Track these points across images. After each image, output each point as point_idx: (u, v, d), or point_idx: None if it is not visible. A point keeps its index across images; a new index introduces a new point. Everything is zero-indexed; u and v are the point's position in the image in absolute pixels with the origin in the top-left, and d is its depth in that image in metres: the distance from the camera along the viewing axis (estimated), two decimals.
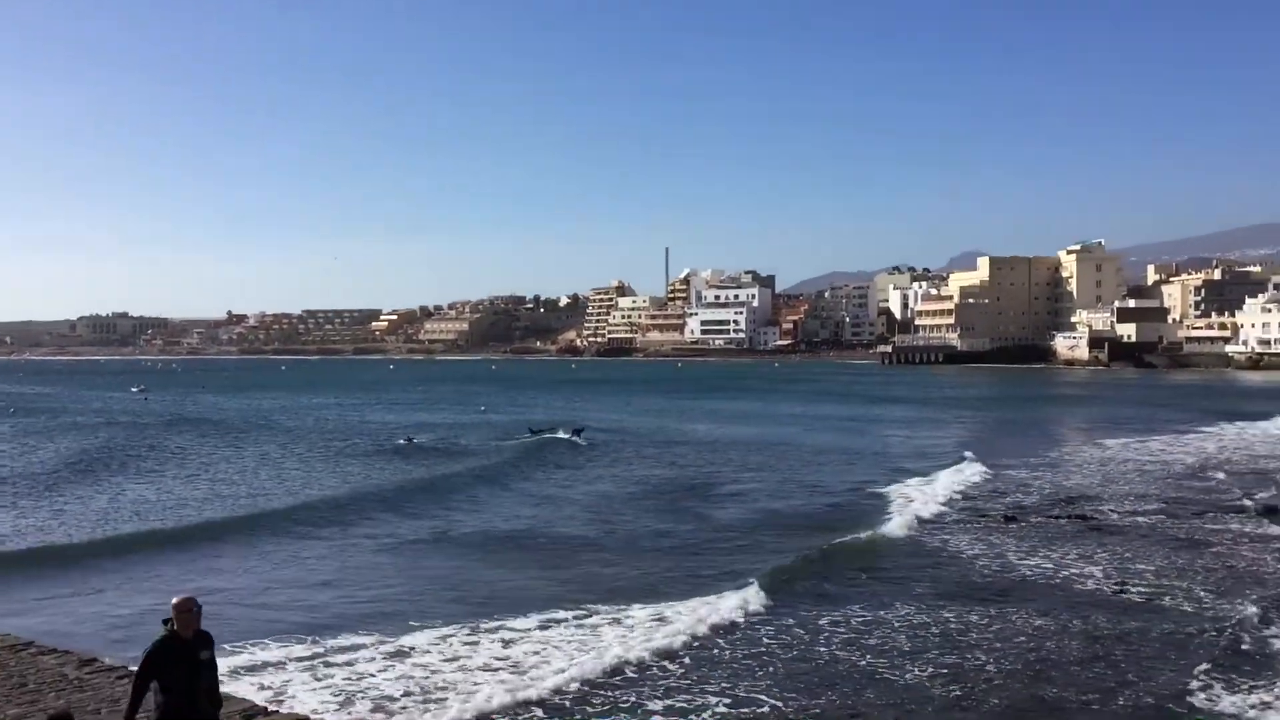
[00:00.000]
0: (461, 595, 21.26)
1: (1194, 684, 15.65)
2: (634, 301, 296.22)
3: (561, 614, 19.37)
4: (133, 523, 29.98)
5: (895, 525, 28.20)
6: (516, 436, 55.47)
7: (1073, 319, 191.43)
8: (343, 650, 17.18)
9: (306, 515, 30.81)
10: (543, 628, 18.59)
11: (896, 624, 18.99)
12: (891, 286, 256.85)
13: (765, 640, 17.97)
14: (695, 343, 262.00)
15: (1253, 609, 19.62)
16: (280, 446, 52.41)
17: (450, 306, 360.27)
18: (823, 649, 17.51)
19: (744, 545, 26.34)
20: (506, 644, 17.64)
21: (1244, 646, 17.48)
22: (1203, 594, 20.87)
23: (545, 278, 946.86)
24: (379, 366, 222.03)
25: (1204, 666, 16.42)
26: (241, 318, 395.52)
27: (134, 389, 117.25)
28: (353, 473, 41.82)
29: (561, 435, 54.37)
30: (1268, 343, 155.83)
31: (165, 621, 8.63)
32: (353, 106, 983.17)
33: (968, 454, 44.68)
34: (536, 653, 17.16)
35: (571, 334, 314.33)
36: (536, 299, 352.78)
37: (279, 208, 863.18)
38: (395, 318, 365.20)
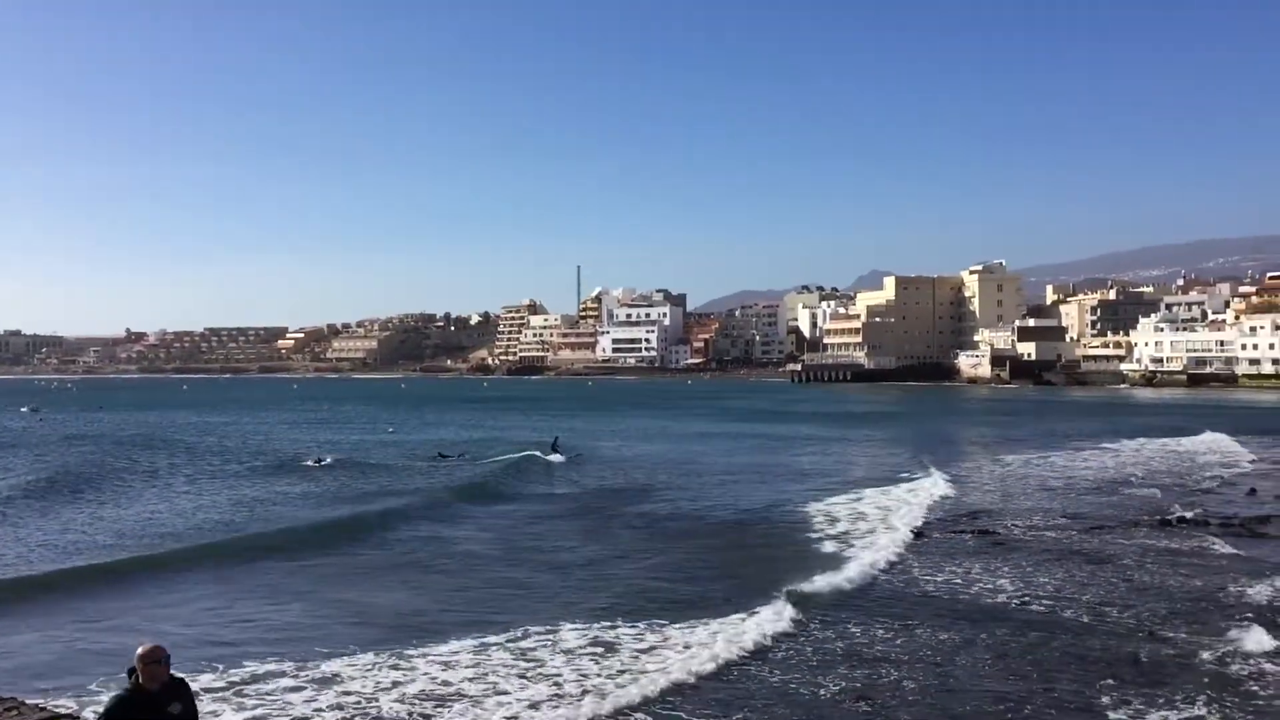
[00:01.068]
0: (381, 622, 20.75)
1: (1101, 697, 15.92)
2: (546, 320, 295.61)
3: (493, 638, 18.98)
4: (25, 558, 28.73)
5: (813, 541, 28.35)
6: (425, 458, 54.52)
7: (975, 338, 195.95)
8: (259, 678, 16.65)
9: (204, 545, 29.87)
10: (477, 651, 18.20)
11: (802, 639, 19.03)
12: (801, 305, 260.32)
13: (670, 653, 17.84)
14: (607, 361, 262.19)
15: (1152, 621, 20.09)
16: (176, 467, 50.85)
17: (359, 324, 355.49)
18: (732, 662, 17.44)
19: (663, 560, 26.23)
20: (445, 667, 17.27)
21: (1143, 658, 17.85)
22: (1104, 607, 21.29)
23: (456, 296, 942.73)
24: (284, 385, 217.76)
25: (1107, 680, 16.71)
26: (141, 336, 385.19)
27: (24, 408, 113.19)
28: (257, 497, 40.70)
29: (539, 455, 53.33)
30: (1160, 361, 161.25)
31: (129, 672, 7.75)
32: (256, 120, 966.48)
33: (878, 471, 45.21)
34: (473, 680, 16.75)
35: (483, 352, 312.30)
36: (447, 317, 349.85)
37: (180, 224, 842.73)
38: (302, 335, 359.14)
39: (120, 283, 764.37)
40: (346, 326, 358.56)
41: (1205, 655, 17.91)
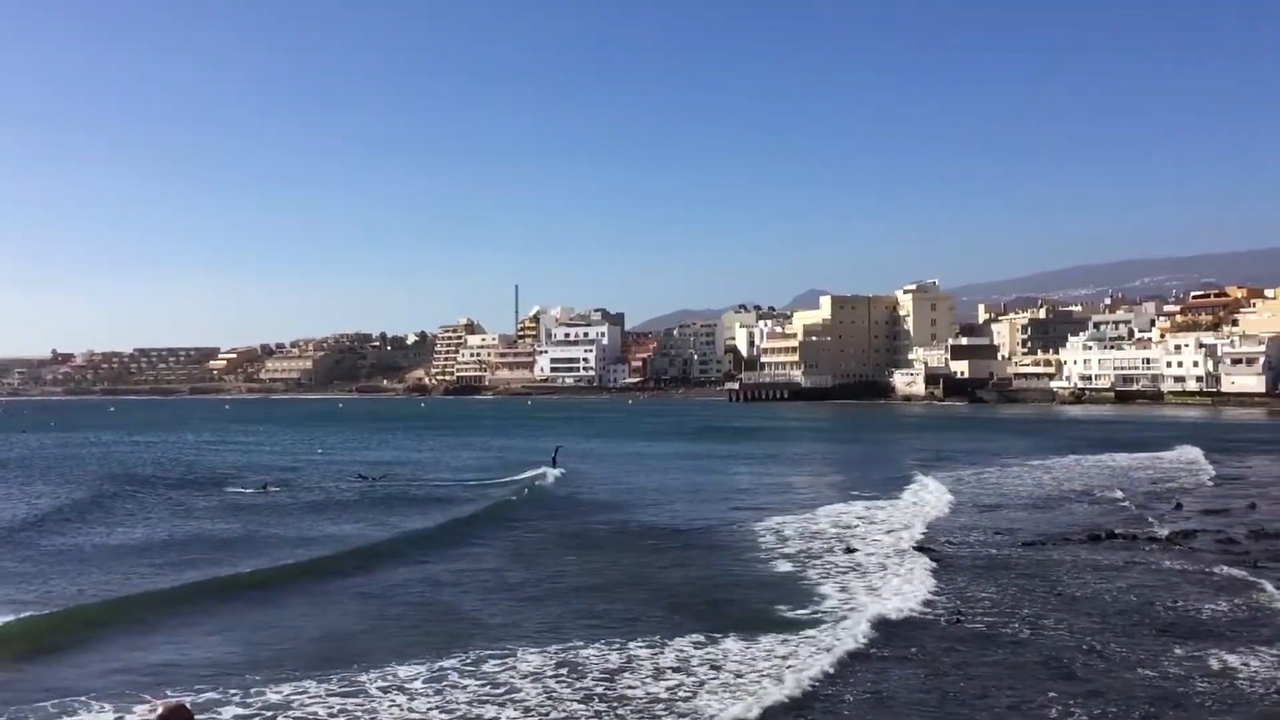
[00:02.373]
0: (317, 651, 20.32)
1: (1040, 710, 16.02)
2: (483, 339, 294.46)
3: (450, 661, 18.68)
4: None
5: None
6: (348, 480, 52.91)
7: (910, 356, 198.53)
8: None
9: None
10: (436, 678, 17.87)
11: (676, 649, 18.95)
12: (738, 324, 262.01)
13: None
14: (545, 380, 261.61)
15: (1085, 633, 20.33)
16: (107, 499, 49.51)
17: (293, 344, 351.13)
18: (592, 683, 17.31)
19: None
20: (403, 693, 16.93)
21: (1078, 672, 18.02)
22: (1040, 620, 21.49)
23: (393, 316, 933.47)
24: (215, 405, 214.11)
25: (1050, 693, 16.85)
26: (68, 357, 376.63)
27: None
28: (197, 525, 39.76)
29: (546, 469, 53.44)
30: (1088, 378, 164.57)
31: None
32: (185, 134, 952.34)
33: (820, 490, 45.44)
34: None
35: (420, 372, 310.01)
36: (383, 337, 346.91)
37: (107, 242, 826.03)
38: (235, 356, 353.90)
39: (45, 302, 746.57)
40: (280, 347, 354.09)
41: (1141, 669, 18.14)
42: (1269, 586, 24.49)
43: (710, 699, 16.62)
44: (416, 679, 17.89)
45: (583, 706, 16.35)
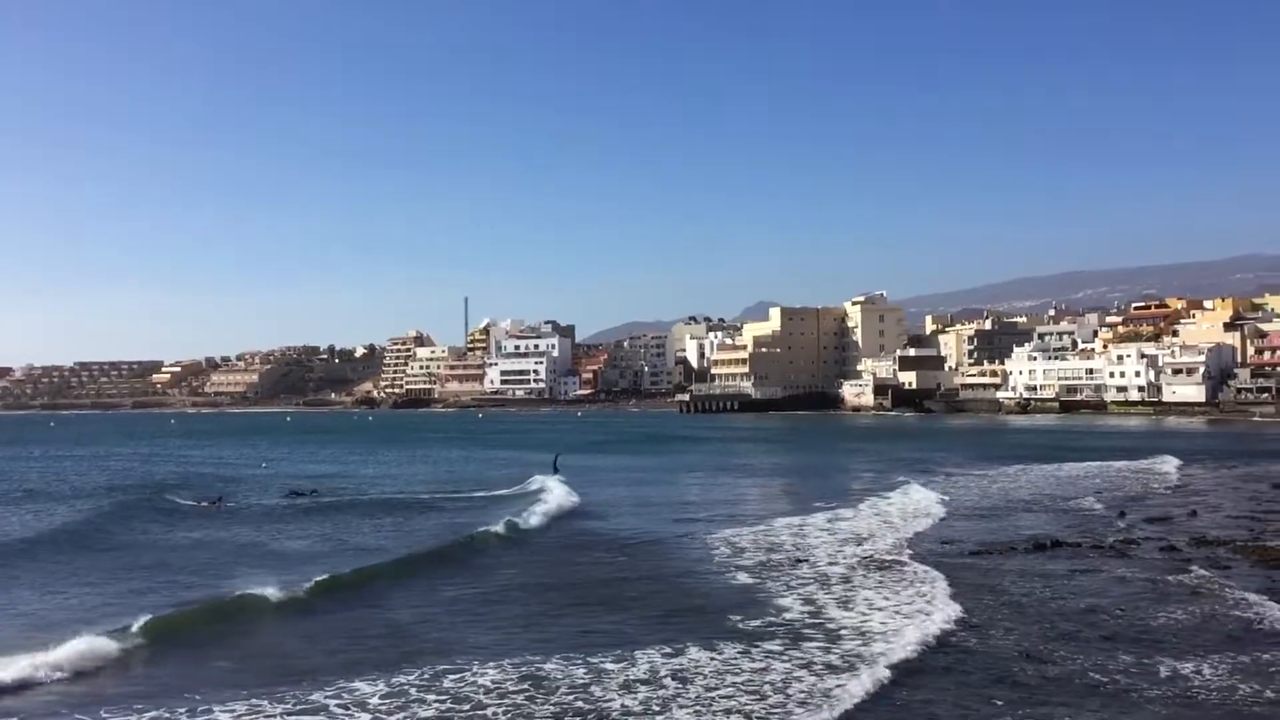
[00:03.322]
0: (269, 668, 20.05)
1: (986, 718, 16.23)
2: (433, 352, 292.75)
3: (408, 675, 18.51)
4: None
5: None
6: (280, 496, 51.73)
7: (859, 367, 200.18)
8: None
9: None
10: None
11: (643, 662, 19.01)
12: (688, 336, 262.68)
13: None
14: (496, 393, 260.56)
15: (1032, 640, 20.63)
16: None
17: (239, 358, 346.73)
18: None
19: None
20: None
21: (1023, 679, 18.27)
22: (986, 630, 21.76)
23: (340, 328, 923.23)
24: (159, 420, 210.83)
25: (991, 704, 17.06)
26: (6, 370, 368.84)
27: None
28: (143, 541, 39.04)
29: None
30: (1033, 388, 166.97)
31: None
32: (128, 140, 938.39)
33: (773, 501, 45.68)
34: None
35: (368, 385, 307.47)
36: (331, 349, 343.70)
37: (46, 252, 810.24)
38: (179, 369, 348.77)
39: None
40: (226, 360, 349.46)
41: (1091, 675, 18.43)
42: (1212, 594, 25.01)
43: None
44: (374, 695, 17.74)
45: None
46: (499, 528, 36.77)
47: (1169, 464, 63.13)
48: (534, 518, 40.21)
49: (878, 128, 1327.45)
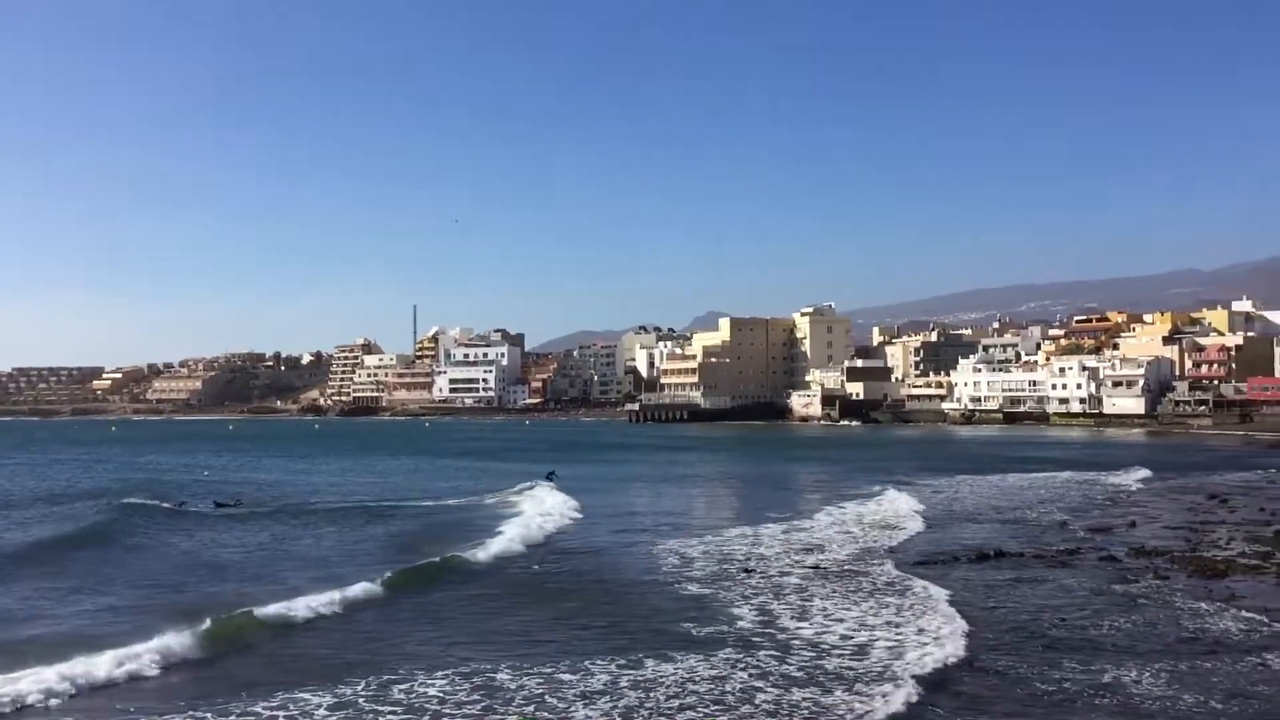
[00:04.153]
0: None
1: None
2: (381, 359, 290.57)
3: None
4: None
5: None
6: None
7: (807, 377, 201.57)
8: None
9: None
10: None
11: (602, 670, 19.07)
12: (638, 346, 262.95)
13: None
14: (444, 401, 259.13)
15: (975, 650, 20.95)
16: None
17: (182, 364, 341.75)
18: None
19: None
20: None
21: (966, 689, 18.55)
22: (913, 636, 22.07)
23: (287, 335, 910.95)
24: (99, 427, 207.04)
25: (934, 711, 17.30)
26: None
27: None
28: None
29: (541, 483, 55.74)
30: (978, 399, 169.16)
31: None
32: (66, 146, 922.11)
33: (722, 512, 45.89)
34: None
35: (315, 393, 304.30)
36: (277, 356, 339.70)
37: None
38: (120, 375, 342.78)
39: None
40: (169, 366, 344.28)
41: (1035, 684, 18.75)
42: (1152, 603, 25.53)
43: None
44: (319, 707, 17.61)
45: None
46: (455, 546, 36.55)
47: (1109, 475, 64.26)
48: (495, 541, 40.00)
49: (828, 140, 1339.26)
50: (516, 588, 28.69)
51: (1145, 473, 65.52)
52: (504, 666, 19.85)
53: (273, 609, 24.38)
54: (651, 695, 18.14)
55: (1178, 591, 26.84)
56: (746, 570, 30.31)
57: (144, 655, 20.16)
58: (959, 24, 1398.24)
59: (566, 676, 19.25)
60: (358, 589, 26.84)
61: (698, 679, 19.07)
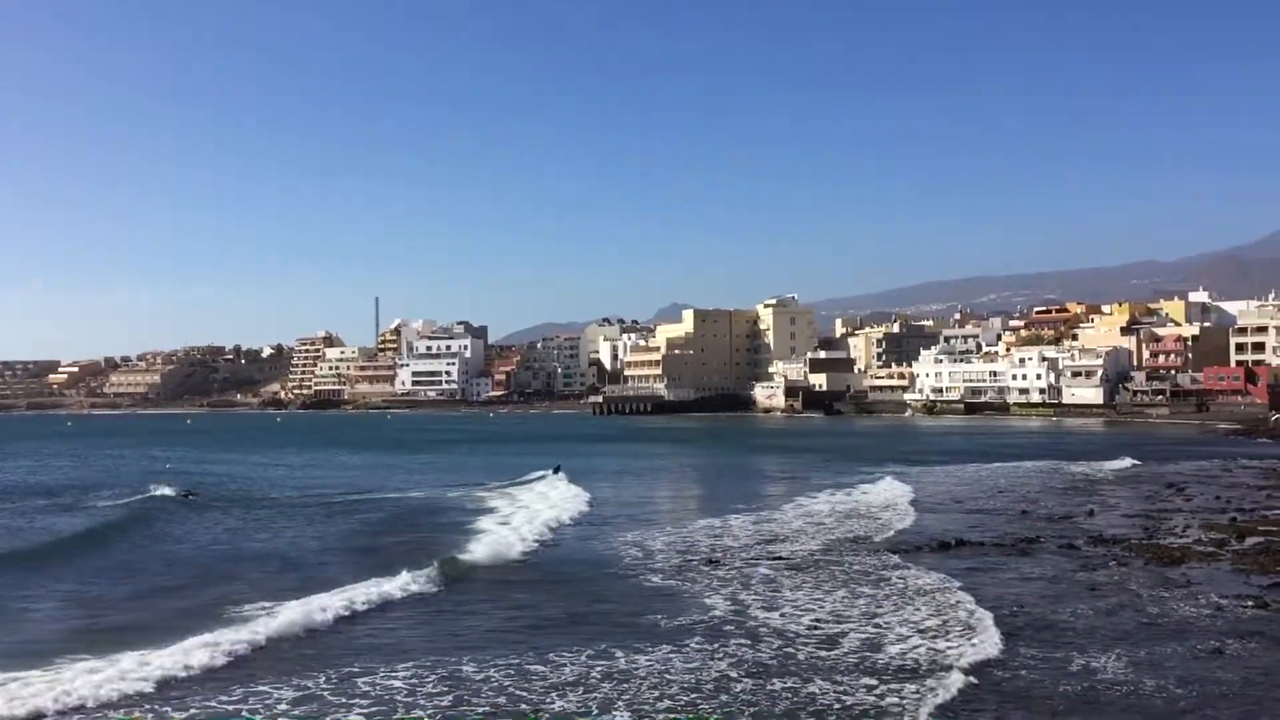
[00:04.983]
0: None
1: (866, 695, 16.64)
2: (342, 352, 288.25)
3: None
4: None
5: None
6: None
7: (770, 369, 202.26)
8: None
9: None
10: None
11: (569, 663, 19.11)
12: (602, 338, 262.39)
13: None
14: (407, 394, 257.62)
15: (928, 625, 21.19)
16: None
17: (140, 358, 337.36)
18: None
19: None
20: None
21: (911, 664, 18.76)
22: (883, 619, 22.27)
23: (247, 328, 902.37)
24: (55, 421, 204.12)
25: (868, 680, 17.49)
26: None
27: None
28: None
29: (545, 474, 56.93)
30: (940, 390, 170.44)
31: None
32: (19, 135, 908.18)
33: (689, 504, 46.07)
34: None
35: (275, 386, 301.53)
36: (237, 350, 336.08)
37: None
38: (76, 370, 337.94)
39: None
40: (126, 360, 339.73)
41: (996, 671, 18.97)
42: (1110, 590, 25.88)
43: None
44: (281, 701, 17.52)
45: None
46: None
47: (1069, 465, 65.06)
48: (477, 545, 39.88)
49: (790, 133, 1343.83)
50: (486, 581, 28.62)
51: (1104, 462, 66.33)
52: (467, 659, 19.79)
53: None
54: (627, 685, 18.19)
55: (1135, 579, 27.23)
56: (713, 561, 30.45)
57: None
58: (917, 13, 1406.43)
59: (537, 667, 19.23)
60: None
61: (674, 668, 19.14)
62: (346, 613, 24.08)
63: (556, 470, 61.27)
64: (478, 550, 33.25)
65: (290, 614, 23.21)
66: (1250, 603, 24.09)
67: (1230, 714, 16.65)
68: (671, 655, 20.11)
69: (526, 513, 43.36)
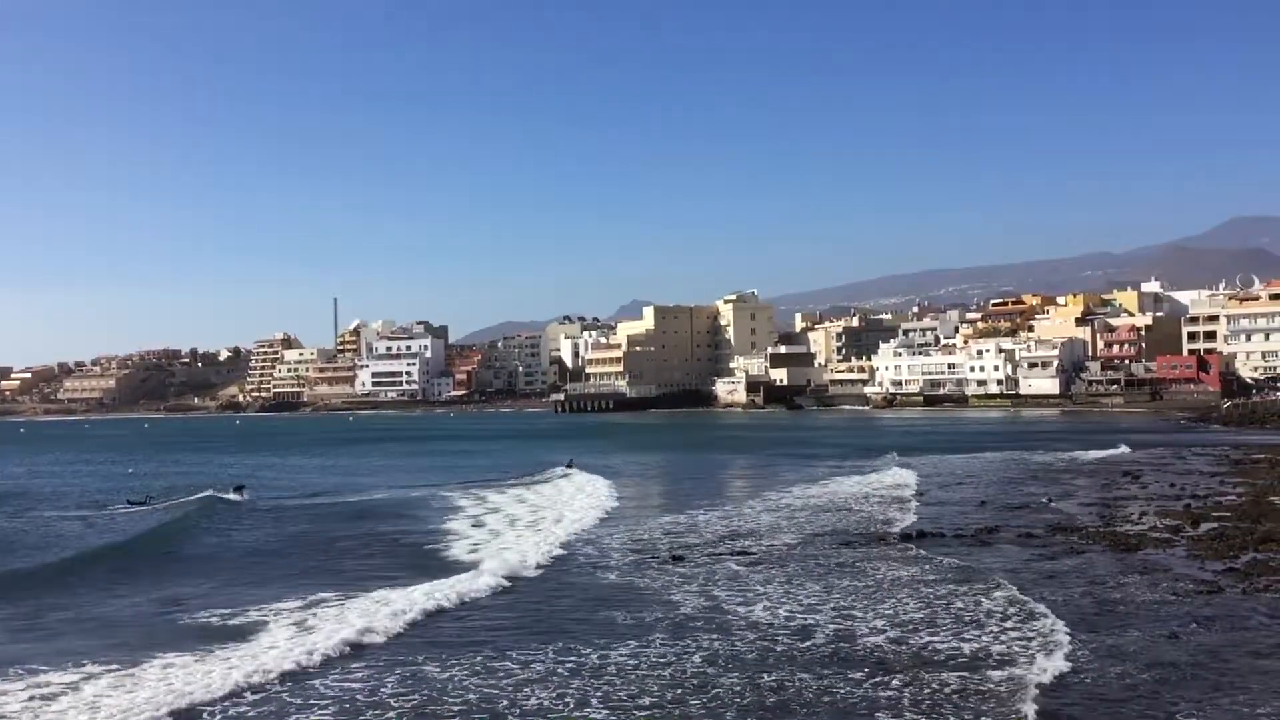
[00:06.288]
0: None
1: (858, 705, 16.80)
2: (301, 354, 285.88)
3: None
4: None
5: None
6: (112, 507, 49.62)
7: (731, 364, 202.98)
8: None
9: None
10: None
11: (561, 662, 19.16)
12: (563, 336, 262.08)
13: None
14: (367, 395, 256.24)
15: (902, 627, 21.38)
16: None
17: (94, 362, 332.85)
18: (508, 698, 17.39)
19: None
20: None
21: (892, 665, 18.95)
22: (849, 614, 22.46)
23: (203, 331, 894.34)
24: (7, 428, 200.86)
25: (857, 675, 17.67)
26: None
27: None
28: None
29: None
30: (899, 383, 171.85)
31: None
32: None
33: (648, 503, 46.12)
34: None
35: (233, 389, 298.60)
36: (194, 353, 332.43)
37: None
38: (29, 375, 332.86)
39: None
40: (80, 365, 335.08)
41: (951, 664, 19.19)
42: (1069, 576, 26.24)
43: None
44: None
45: None
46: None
47: (1027, 455, 65.91)
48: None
49: (748, 130, 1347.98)
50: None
51: (1060, 451, 67.31)
52: (425, 658, 19.74)
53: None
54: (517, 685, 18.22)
55: (1092, 566, 27.63)
56: (675, 558, 30.54)
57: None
58: (875, 10, 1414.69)
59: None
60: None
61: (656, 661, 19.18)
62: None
63: (569, 465, 63.48)
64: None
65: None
66: (1205, 588, 24.52)
67: (1188, 696, 16.96)
68: (641, 651, 20.17)
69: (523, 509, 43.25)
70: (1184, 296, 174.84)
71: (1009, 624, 21.70)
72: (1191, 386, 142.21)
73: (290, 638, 21.83)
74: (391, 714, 17.07)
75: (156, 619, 24.49)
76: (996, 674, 18.33)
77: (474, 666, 19.54)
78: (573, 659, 19.87)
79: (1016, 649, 19.83)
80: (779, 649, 20.19)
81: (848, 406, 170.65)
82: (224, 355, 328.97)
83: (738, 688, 17.89)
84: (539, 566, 29.70)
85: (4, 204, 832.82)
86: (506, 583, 27.34)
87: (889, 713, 16.49)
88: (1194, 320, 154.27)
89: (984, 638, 20.71)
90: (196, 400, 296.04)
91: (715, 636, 21.20)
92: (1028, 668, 18.60)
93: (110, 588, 28.58)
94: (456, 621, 23.39)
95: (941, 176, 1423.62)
